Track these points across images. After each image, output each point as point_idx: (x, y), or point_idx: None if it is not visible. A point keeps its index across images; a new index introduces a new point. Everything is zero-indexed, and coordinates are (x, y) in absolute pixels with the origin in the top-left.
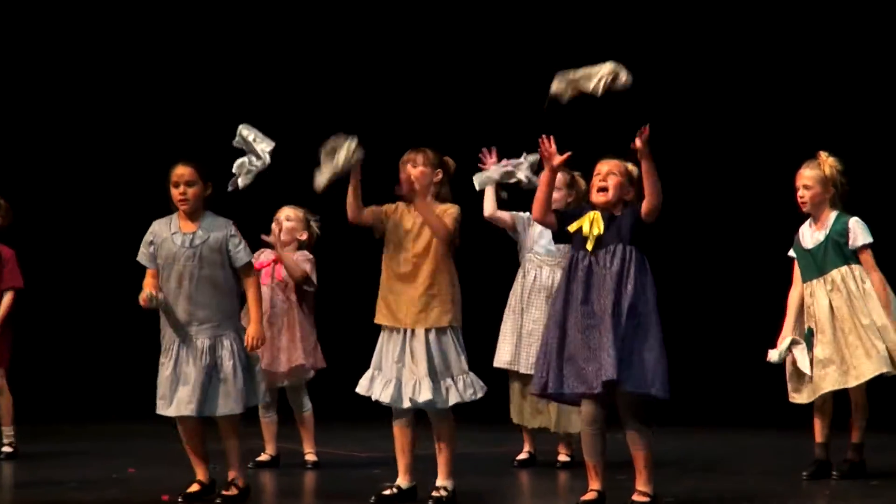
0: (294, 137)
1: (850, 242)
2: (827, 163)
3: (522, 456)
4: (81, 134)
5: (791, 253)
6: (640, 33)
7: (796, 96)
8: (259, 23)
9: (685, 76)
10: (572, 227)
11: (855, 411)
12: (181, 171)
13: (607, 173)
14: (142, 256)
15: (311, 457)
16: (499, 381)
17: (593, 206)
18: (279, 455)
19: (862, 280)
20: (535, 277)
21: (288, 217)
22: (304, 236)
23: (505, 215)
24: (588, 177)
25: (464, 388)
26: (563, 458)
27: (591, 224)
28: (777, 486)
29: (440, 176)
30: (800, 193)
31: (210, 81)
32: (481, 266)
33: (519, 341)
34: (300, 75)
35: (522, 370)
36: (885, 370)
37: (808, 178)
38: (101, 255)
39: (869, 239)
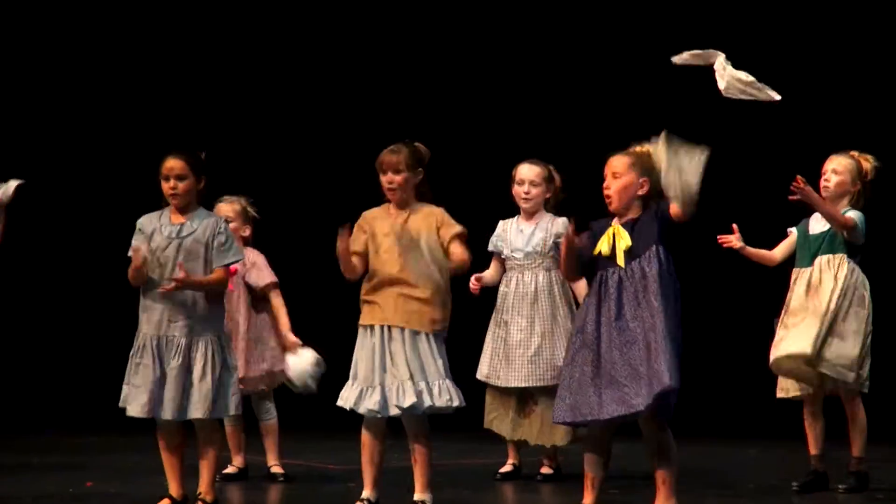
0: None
1: (847, 218)
2: (865, 157)
3: (506, 468)
4: (57, 135)
5: (791, 228)
6: (651, 30)
7: (804, 101)
8: (244, 17)
9: (691, 76)
10: (595, 252)
11: (851, 423)
12: (171, 164)
13: (610, 175)
14: (132, 250)
15: (276, 468)
16: (481, 392)
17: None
18: (247, 467)
19: (838, 269)
20: (516, 283)
21: (227, 217)
22: (248, 231)
23: (498, 265)
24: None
25: (438, 393)
26: (545, 470)
27: (613, 239)
28: (773, 501)
29: (421, 175)
30: (826, 177)
31: (192, 76)
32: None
33: (501, 353)
34: (281, 72)
35: (502, 384)
36: (798, 351)
37: (841, 163)
38: (62, 263)
39: (861, 226)
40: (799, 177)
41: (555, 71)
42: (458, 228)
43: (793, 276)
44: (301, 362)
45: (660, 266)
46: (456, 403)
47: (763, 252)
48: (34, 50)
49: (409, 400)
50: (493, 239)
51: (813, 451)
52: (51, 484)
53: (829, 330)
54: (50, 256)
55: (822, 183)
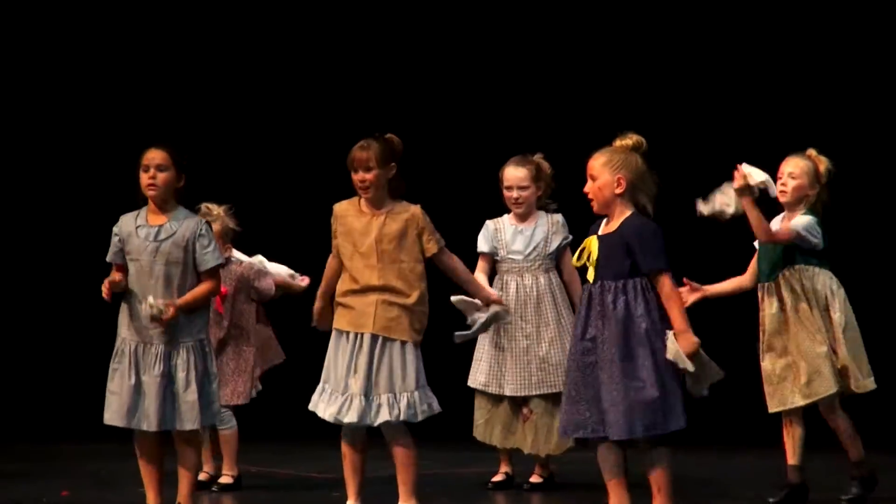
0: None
1: (796, 222)
2: (822, 159)
3: (498, 477)
4: (33, 133)
5: (756, 243)
6: (627, 32)
7: (775, 99)
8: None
9: (671, 75)
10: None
11: (839, 433)
12: (153, 155)
13: (589, 177)
14: (109, 254)
15: (226, 479)
16: (470, 399)
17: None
18: (219, 474)
19: (810, 280)
20: (516, 287)
21: None
22: (229, 252)
23: (486, 266)
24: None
25: (407, 405)
26: (534, 479)
27: (584, 252)
28: None
29: (394, 170)
30: (782, 181)
31: (168, 78)
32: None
33: (502, 361)
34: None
35: (508, 392)
36: (834, 390)
37: (797, 166)
38: (40, 266)
39: (806, 233)
40: (739, 167)
41: (534, 58)
42: (441, 242)
43: (759, 294)
44: None
45: (627, 307)
46: (420, 418)
47: (730, 284)
48: (15, 52)
49: (350, 416)
50: (485, 239)
51: (791, 461)
52: (24, 492)
53: (840, 353)
54: (28, 263)
55: (779, 188)
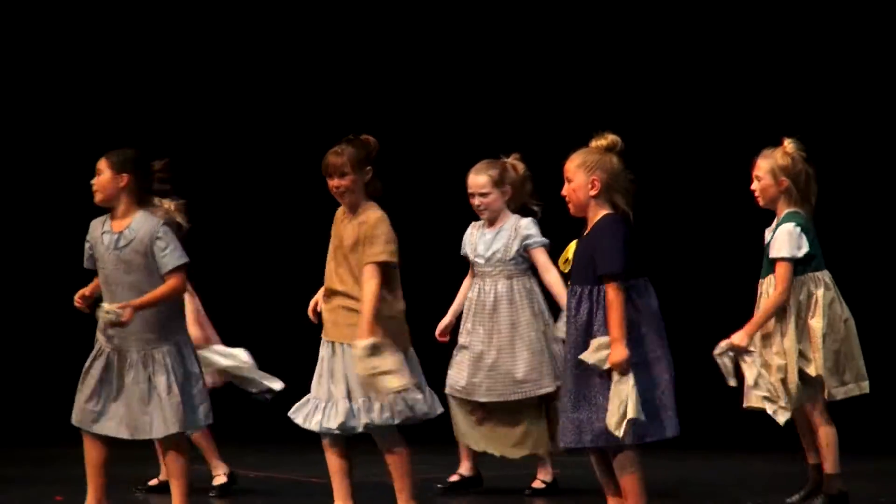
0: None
1: (770, 250)
2: (788, 149)
3: (458, 476)
4: (20, 135)
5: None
6: (607, 31)
7: (770, 89)
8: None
9: (659, 72)
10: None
11: (818, 435)
12: (96, 166)
13: (565, 180)
14: (84, 260)
15: (219, 479)
16: None
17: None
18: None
19: (797, 291)
20: (478, 291)
21: None
22: None
23: (470, 270)
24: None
25: (380, 410)
26: (536, 484)
27: (564, 256)
28: None
29: (370, 173)
30: (752, 186)
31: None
32: (443, 273)
33: (461, 363)
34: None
35: (462, 395)
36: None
37: (760, 167)
38: (35, 271)
39: (790, 253)
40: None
41: (516, 57)
42: (378, 257)
43: (759, 289)
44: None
45: (589, 314)
46: (397, 420)
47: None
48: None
49: (336, 420)
50: (463, 242)
51: (810, 460)
52: (17, 498)
53: (816, 361)
54: (22, 268)
55: (753, 193)
